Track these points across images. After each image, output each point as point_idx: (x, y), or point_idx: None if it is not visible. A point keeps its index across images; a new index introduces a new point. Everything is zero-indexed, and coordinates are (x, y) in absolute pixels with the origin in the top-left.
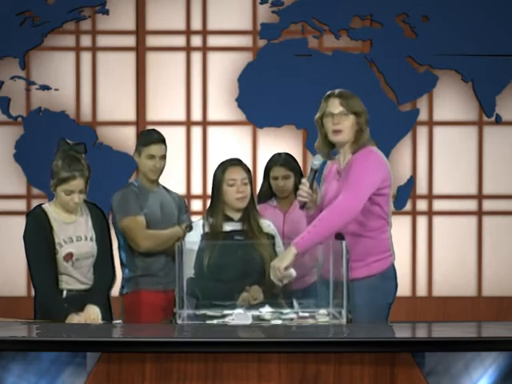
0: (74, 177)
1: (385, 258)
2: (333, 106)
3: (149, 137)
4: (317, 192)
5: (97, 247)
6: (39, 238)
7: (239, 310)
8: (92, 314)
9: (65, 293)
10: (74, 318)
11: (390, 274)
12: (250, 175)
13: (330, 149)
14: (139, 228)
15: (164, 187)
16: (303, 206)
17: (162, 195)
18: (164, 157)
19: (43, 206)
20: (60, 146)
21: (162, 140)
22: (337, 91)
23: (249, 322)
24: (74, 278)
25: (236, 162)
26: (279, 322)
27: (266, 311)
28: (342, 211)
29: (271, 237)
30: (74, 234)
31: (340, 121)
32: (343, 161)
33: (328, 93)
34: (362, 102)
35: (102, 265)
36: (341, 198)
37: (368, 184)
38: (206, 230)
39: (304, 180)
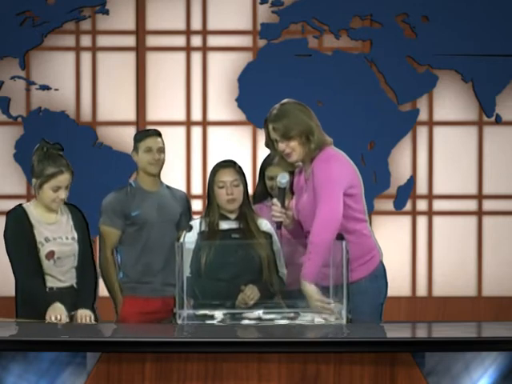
0: (62, 172)
1: (371, 259)
2: (271, 133)
3: (144, 132)
4: (290, 208)
5: (78, 248)
6: (20, 236)
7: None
8: (84, 317)
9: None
10: (56, 307)
11: (379, 273)
12: (244, 176)
13: (291, 164)
14: (107, 242)
15: (168, 187)
16: (280, 226)
17: (162, 196)
18: (162, 150)
19: (23, 205)
20: (40, 146)
21: (157, 133)
22: (272, 114)
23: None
24: (54, 277)
25: (227, 164)
26: (279, 322)
27: (266, 312)
28: (325, 226)
29: (268, 236)
30: (55, 233)
31: (284, 146)
32: (308, 169)
33: (267, 116)
34: (301, 112)
35: (85, 267)
36: (319, 215)
37: (337, 189)
38: (203, 228)
39: (275, 200)
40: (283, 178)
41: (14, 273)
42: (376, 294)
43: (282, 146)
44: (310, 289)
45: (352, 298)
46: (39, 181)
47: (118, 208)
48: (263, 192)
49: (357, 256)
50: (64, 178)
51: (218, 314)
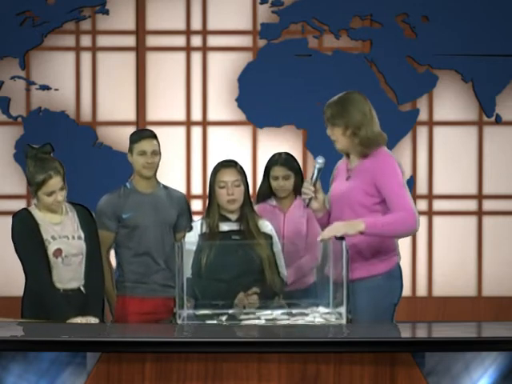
0: (50, 176)
1: (390, 258)
2: (325, 115)
3: (138, 134)
4: (321, 191)
5: (86, 246)
6: (27, 234)
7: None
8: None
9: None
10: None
11: (396, 274)
12: (245, 177)
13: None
14: (102, 245)
15: (165, 187)
16: (308, 203)
17: (157, 198)
18: (156, 152)
19: (28, 208)
20: (27, 152)
21: (152, 136)
22: (333, 99)
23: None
24: (64, 277)
25: (229, 164)
26: (279, 322)
27: (266, 313)
28: (404, 225)
29: (269, 237)
30: (61, 233)
31: (331, 132)
32: (353, 161)
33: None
34: (354, 106)
35: (92, 268)
36: (403, 214)
37: (404, 189)
38: (204, 230)
39: (307, 179)
40: (320, 159)
41: (25, 273)
42: (391, 292)
43: (329, 130)
44: (356, 227)
45: (367, 293)
46: (33, 189)
47: (109, 210)
48: (267, 192)
49: (379, 252)
50: (54, 182)
51: (222, 317)
